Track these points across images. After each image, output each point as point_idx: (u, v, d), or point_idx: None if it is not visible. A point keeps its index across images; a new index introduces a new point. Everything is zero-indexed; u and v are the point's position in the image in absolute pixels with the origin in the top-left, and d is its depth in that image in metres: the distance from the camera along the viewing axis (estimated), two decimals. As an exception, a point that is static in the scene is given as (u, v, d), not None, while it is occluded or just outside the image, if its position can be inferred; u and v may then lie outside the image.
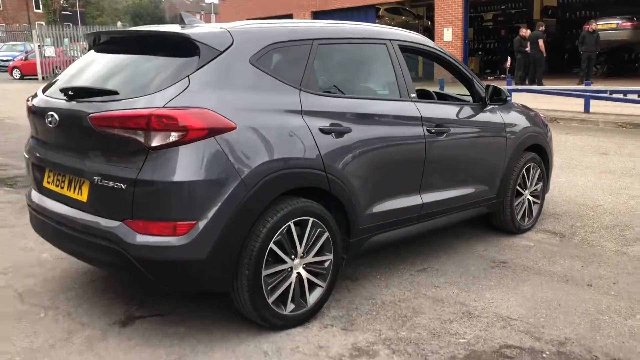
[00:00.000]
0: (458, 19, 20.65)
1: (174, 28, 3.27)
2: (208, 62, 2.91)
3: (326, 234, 3.23)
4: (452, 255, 4.37)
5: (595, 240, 4.70)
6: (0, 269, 4.01)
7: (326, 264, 3.28)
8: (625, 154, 8.26)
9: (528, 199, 4.90)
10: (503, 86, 4.72)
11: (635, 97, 11.14)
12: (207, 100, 2.82)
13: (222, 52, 2.97)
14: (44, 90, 3.43)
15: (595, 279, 3.92)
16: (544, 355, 2.94)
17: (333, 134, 3.25)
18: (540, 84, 16.77)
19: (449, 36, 21.08)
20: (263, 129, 2.94)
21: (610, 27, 17.77)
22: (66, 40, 29.20)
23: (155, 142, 2.70)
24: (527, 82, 17.59)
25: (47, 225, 3.25)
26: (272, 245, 2.97)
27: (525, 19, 24.79)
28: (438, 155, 3.92)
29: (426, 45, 4.20)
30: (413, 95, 3.85)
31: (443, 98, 4.89)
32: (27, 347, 2.97)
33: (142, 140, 2.72)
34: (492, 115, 4.47)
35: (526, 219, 4.91)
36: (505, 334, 3.15)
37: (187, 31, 3.00)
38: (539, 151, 4.97)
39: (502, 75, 20.70)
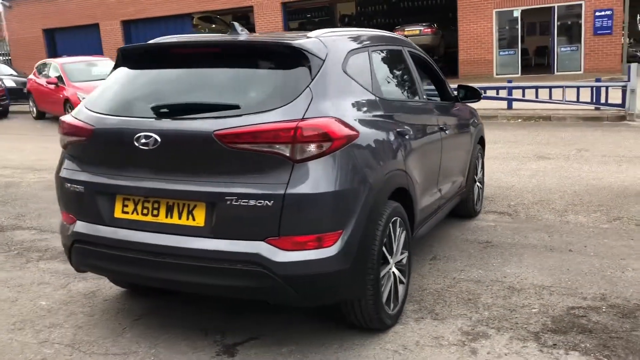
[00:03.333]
0: (278, 29, 21.34)
1: (246, 37, 3.16)
2: (319, 72, 2.87)
3: (405, 232, 3.37)
4: (442, 242, 4.74)
5: (537, 214, 5.45)
6: (7, 326, 3.38)
7: (404, 261, 3.41)
8: (499, 142, 9.41)
9: (477, 185, 5.50)
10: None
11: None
12: (331, 109, 2.78)
13: (324, 61, 2.94)
14: (99, 111, 2.97)
15: (569, 245, 4.59)
16: (603, 309, 3.45)
17: (403, 135, 3.40)
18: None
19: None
20: (372, 134, 2.99)
21: (414, 33, 19.98)
22: None
23: (301, 155, 2.60)
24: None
25: (129, 260, 2.86)
26: (382, 247, 3.03)
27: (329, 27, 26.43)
28: (446, 149, 4.27)
29: (417, 50, 4.51)
30: (425, 96, 4.15)
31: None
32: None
33: (286, 153, 2.59)
34: (462, 112, 4.96)
35: (478, 202, 5.51)
36: (559, 299, 3.60)
37: (293, 41, 2.90)
38: (481, 142, 5.60)
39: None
